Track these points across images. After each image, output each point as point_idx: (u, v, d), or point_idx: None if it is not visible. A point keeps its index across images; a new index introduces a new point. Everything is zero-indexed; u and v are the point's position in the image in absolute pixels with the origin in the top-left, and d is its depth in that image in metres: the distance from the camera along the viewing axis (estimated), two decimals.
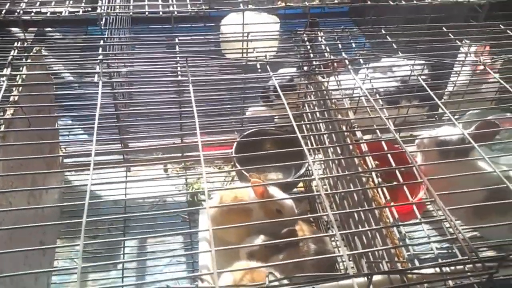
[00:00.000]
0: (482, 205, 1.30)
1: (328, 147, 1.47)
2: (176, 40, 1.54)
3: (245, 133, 1.89)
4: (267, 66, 1.42)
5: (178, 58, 1.46)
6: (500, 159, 1.82)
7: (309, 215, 1.30)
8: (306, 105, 1.80)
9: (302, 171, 1.76)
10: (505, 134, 2.01)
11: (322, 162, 1.72)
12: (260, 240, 1.47)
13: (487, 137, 1.60)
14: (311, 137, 1.75)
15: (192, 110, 1.71)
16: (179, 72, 1.42)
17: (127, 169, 1.93)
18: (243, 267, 1.30)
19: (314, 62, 1.51)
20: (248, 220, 1.50)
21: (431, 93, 1.39)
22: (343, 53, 1.52)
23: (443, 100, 2.10)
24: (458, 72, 1.98)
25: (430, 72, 2.07)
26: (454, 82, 2.03)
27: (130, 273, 1.78)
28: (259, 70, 1.42)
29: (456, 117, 2.18)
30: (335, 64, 1.47)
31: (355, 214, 1.25)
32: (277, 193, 1.47)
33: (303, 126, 1.81)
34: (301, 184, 1.93)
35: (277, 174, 1.87)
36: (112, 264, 1.83)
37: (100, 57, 1.39)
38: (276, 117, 2.08)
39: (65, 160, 1.86)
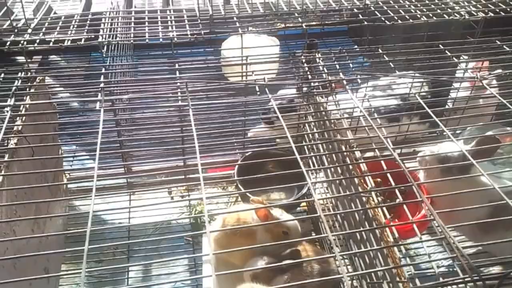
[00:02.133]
0: (487, 221, 1.30)
1: (328, 168, 1.48)
2: (176, 66, 1.58)
3: (247, 155, 1.90)
4: (266, 89, 1.44)
5: (178, 84, 1.49)
6: (503, 173, 1.81)
7: (312, 237, 1.30)
8: (306, 125, 1.82)
9: (304, 190, 1.76)
10: (507, 149, 2.01)
11: (323, 182, 1.73)
12: (263, 261, 1.47)
13: (489, 152, 1.60)
14: (313, 157, 1.76)
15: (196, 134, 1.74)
16: (179, 97, 1.44)
17: (130, 193, 1.95)
18: None
19: (312, 83, 1.53)
20: (252, 242, 1.50)
21: (428, 110, 1.41)
22: (340, 74, 1.54)
23: (443, 118, 2.11)
24: (457, 89, 1.99)
25: (430, 90, 2.09)
26: (454, 99, 2.04)
27: None
28: (258, 93, 1.44)
29: (457, 132, 2.19)
30: (333, 84, 1.49)
31: (357, 234, 1.25)
32: (280, 215, 1.47)
33: (305, 147, 1.83)
34: (304, 204, 1.93)
35: (279, 194, 1.88)
36: None
37: (102, 84, 1.42)
38: (278, 138, 2.10)
39: (69, 186, 1.88)
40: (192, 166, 1.87)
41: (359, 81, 1.55)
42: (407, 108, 2.02)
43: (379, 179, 1.73)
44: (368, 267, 1.15)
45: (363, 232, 1.19)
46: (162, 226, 2.07)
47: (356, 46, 2.91)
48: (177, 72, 1.55)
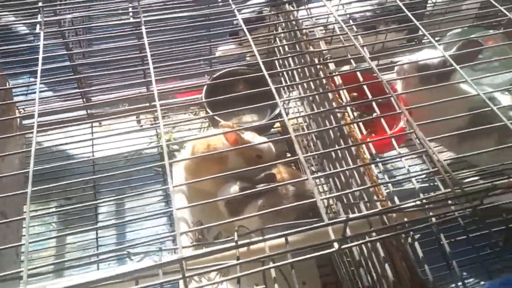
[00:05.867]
0: (465, 128, 1.24)
1: (299, 83, 1.37)
2: None
3: (215, 75, 1.77)
4: None
5: None
6: (483, 79, 1.73)
7: (283, 160, 1.22)
8: (277, 38, 1.67)
9: (277, 111, 1.66)
10: (487, 53, 1.91)
11: (297, 99, 1.62)
12: (237, 186, 1.41)
13: (470, 58, 1.51)
14: (284, 73, 1.63)
15: (156, 54, 1.59)
16: (131, 13, 1.27)
17: (92, 125, 1.82)
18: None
19: None
20: (224, 167, 1.43)
21: (408, 13, 1.28)
22: None
23: (423, 22, 1.97)
24: None
25: None
26: (434, 1, 1.90)
27: (109, 232, 1.74)
28: (220, 4, 1.28)
29: (436, 38, 2.07)
30: None
31: (332, 153, 1.17)
32: (252, 139, 1.39)
33: (276, 62, 1.69)
34: (278, 124, 1.84)
35: (252, 116, 1.78)
36: (91, 224, 1.77)
37: (40, 4, 1.24)
38: (248, 54, 1.95)
39: (24, 122, 1.73)
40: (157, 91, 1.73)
41: None
42: (384, 14, 1.88)
43: (355, 94, 1.64)
44: (344, 187, 1.09)
45: (338, 151, 1.11)
46: (133, 157, 1.97)
47: None
48: None
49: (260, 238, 0.83)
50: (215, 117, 1.63)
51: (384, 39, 1.85)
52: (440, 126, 1.16)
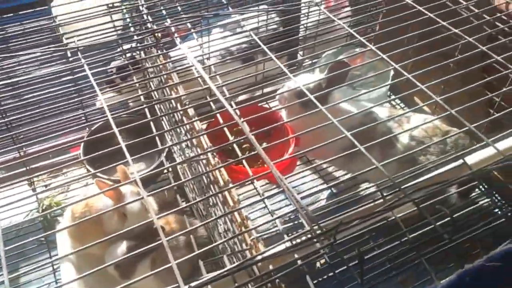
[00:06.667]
0: (349, 147, 1.26)
1: (166, 132, 1.32)
2: None
3: (93, 129, 1.68)
4: (78, 52, 1.22)
5: None
6: (361, 96, 1.80)
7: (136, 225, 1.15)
8: (151, 83, 1.62)
9: (162, 157, 1.61)
10: (363, 69, 2.00)
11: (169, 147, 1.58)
12: (124, 246, 1.32)
13: (341, 78, 1.55)
14: (165, 118, 1.58)
15: (25, 116, 1.47)
16: None
17: None
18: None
19: (135, 37, 1.33)
20: (101, 226, 1.34)
21: (264, 47, 1.29)
22: (168, 20, 1.35)
23: (298, 47, 2.03)
24: (306, 14, 1.90)
25: (280, 19, 1.99)
26: (305, 26, 1.95)
27: None
28: (70, 59, 1.22)
29: (315, 61, 2.13)
30: (159, 34, 1.30)
31: (210, 199, 1.13)
32: (126, 192, 1.31)
33: (155, 106, 1.64)
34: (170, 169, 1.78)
35: (139, 165, 1.70)
36: None
37: None
38: (130, 101, 1.88)
39: None
40: (33, 153, 1.61)
41: (189, 25, 1.38)
42: (259, 45, 1.90)
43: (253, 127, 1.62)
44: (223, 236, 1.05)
45: (212, 199, 1.07)
46: (24, 226, 1.81)
47: None
48: None
49: None
50: (98, 173, 1.53)
51: (263, 69, 1.86)
52: (327, 149, 1.16)
